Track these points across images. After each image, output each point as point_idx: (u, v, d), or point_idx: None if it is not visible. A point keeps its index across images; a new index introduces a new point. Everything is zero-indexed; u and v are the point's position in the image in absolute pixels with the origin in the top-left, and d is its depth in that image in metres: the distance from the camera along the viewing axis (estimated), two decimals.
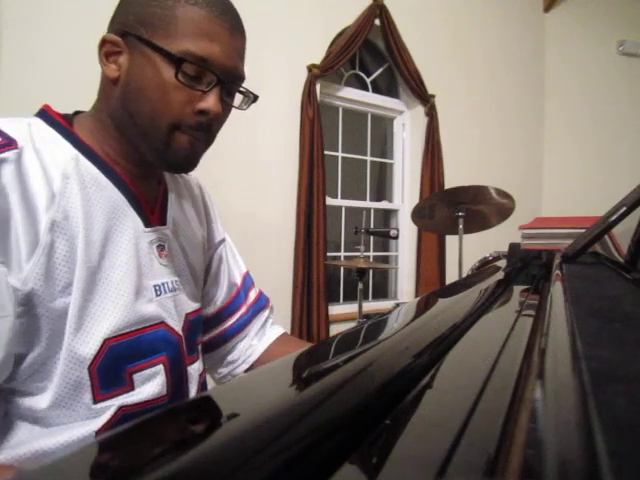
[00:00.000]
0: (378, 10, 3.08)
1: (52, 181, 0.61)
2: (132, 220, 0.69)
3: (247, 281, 0.95)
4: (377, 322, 0.43)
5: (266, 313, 0.96)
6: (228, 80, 0.67)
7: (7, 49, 1.96)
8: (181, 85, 0.63)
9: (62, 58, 2.06)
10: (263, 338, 0.94)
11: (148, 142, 0.66)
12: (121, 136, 0.69)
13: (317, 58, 2.85)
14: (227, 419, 0.20)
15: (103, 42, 0.66)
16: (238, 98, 0.73)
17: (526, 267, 1.05)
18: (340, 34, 2.99)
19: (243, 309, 0.92)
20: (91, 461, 0.17)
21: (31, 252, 0.57)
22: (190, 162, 0.69)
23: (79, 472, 0.16)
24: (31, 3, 2.00)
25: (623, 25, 4.13)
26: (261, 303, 0.96)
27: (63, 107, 0.73)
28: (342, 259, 3.16)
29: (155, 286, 0.70)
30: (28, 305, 0.57)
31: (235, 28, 0.67)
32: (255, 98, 0.74)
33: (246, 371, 0.92)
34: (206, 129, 0.67)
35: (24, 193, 0.57)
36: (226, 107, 0.69)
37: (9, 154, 0.58)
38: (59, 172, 0.62)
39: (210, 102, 0.65)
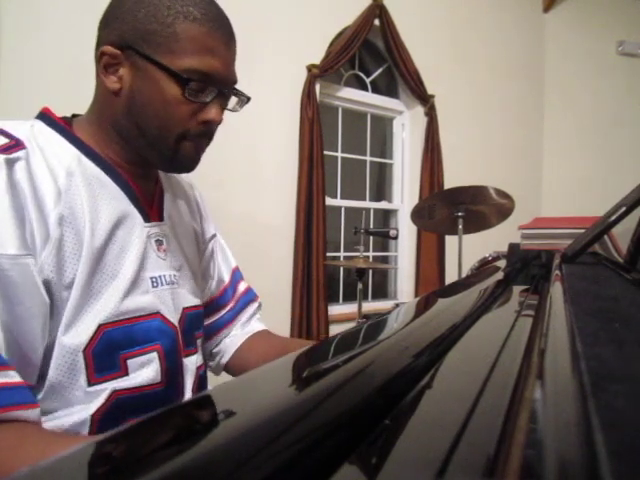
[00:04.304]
0: (378, 10, 3.08)
1: (57, 179, 0.64)
2: (133, 215, 0.72)
3: (236, 276, 0.97)
4: (377, 322, 0.43)
5: (253, 307, 0.98)
6: (227, 89, 0.72)
7: (7, 49, 1.95)
8: (186, 100, 0.67)
9: (61, 59, 2.05)
10: (245, 328, 0.95)
11: (157, 151, 0.71)
12: (123, 141, 0.72)
13: (317, 58, 2.85)
14: (226, 419, 0.20)
15: (101, 54, 0.68)
16: (232, 100, 0.76)
17: (526, 267, 1.05)
18: (340, 34, 2.98)
19: (231, 304, 0.95)
20: (89, 461, 0.17)
21: (43, 245, 0.60)
22: (195, 164, 0.74)
23: (78, 472, 0.16)
24: (31, 4, 2.00)
25: (623, 25, 4.13)
26: (249, 297, 0.97)
27: (61, 109, 0.74)
28: (342, 259, 3.16)
29: (152, 278, 0.73)
30: (46, 294, 0.61)
31: (230, 38, 0.70)
32: (248, 99, 0.77)
33: (226, 365, 0.93)
34: (209, 135, 0.72)
35: (34, 190, 0.61)
36: (223, 111, 0.73)
37: (20, 153, 0.61)
38: (63, 170, 0.65)
39: (213, 113, 0.69)
